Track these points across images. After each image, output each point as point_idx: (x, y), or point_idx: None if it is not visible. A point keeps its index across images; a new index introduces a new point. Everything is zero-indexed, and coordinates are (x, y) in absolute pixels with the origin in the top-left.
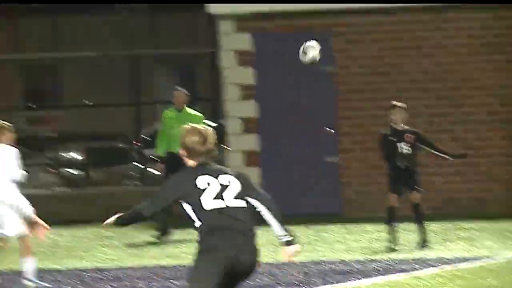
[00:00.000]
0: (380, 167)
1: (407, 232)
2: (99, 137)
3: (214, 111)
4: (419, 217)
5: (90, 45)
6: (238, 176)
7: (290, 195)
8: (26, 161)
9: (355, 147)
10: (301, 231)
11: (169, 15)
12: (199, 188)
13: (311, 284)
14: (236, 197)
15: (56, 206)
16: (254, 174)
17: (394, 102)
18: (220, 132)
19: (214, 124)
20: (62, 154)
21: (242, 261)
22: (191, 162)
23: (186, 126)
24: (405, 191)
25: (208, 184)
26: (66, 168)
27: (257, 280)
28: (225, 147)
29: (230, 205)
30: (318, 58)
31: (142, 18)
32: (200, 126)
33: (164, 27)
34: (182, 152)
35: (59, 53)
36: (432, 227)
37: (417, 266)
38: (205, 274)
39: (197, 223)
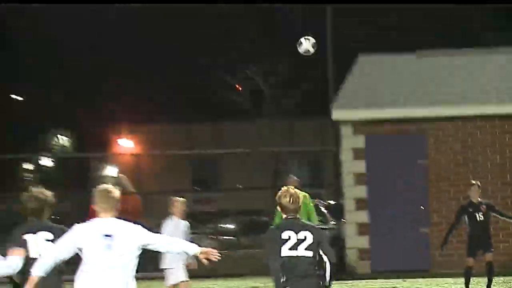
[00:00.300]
0: (460, 235)
1: (480, 284)
2: (248, 212)
3: (335, 193)
4: (490, 272)
5: (243, 144)
6: (316, 233)
7: (392, 255)
8: (194, 231)
9: (442, 221)
10: (399, 283)
11: (302, 121)
12: (282, 239)
13: None
14: (306, 249)
15: (215, 264)
16: (365, 240)
17: (472, 181)
18: (340, 209)
19: (334, 202)
20: (220, 225)
21: None
22: (284, 216)
23: (282, 189)
24: (480, 252)
25: (289, 237)
26: (223, 236)
27: None
28: (343, 220)
29: (299, 254)
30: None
31: (281, 123)
32: (291, 190)
33: (298, 130)
34: (278, 208)
35: (219, 150)
36: (497, 279)
37: None
38: None
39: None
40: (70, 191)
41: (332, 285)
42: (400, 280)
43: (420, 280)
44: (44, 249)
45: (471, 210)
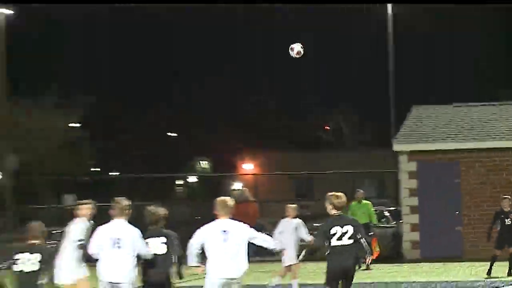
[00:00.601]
0: (483, 233)
1: (499, 267)
2: None
3: (395, 202)
4: None
5: (329, 167)
6: (354, 225)
7: (435, 246)
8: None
9: (471, 222)
10: (440, 266)
11: (371, 151)
12: (331, 234)
13: None
14: (349, 238)
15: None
16: (416, 235)
17: (504, 195)
18: (398, 213)
19: (394, 208)
20: (314, 224)
21: (347, 270)
22: (333, 212)
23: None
24: (506, 247)
25: (336, 231)
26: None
27: None
28: (401, 221)
29: (344, 243)
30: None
31: (356, 152)
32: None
33: (368, 157)
34: (330, 206)
35: (313, 172)
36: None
37: (503, 285)
38: (331, 275)
39: (328, 252)
40: (207, 200)
41: (370, 256)
42: (440, 264)
43: (455, 264)
44: (160, 249)
45: (502, 216)
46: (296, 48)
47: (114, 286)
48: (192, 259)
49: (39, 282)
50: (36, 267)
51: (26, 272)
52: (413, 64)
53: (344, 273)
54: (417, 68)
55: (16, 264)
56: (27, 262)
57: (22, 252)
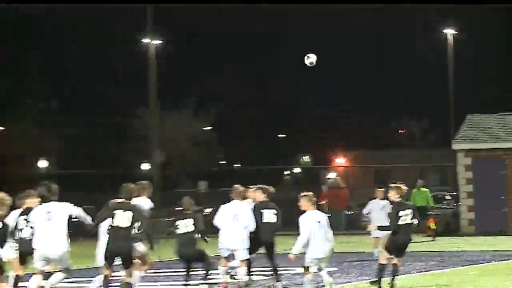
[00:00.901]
0: None
1: None
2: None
3: (455, 189)
4: None
5: (401, 162)
6: (413, 208)
7: (487, 223)
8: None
9: None
10: (490, 239)
11: (435, 150)
12: (399, 216)
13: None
14: (411, 219)
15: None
16: (472, 215)
17: None
18: (457, 198)
19: (455, 193)
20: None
21: (406, 243)
22: (397, 199)
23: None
24: None
25: (402, 215)
26: None
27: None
28: (459, 203)
29: (407, 222)
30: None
31: (423, 151)
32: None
33: (433, 155)
34: (396, 195)
35: (388, 165)
36: None
37: None
38: (392, 244)
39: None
40: (309, 187)
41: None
42: (490, 237)
43: (502, 237)
44: (273, 219)
45: None
46: (308, 59)
47: (232, 251)
48: (299, 249)
49: (195, 237)
50: (191, 228)
51: (184, 233)
52: (469, 76)
53: (401, 246)
54: (472, 80)
55: (178, 228)
56: (184, 226)
57: (179, 220)
